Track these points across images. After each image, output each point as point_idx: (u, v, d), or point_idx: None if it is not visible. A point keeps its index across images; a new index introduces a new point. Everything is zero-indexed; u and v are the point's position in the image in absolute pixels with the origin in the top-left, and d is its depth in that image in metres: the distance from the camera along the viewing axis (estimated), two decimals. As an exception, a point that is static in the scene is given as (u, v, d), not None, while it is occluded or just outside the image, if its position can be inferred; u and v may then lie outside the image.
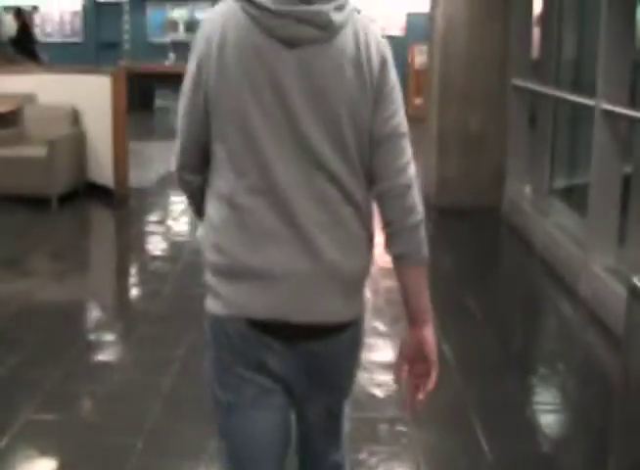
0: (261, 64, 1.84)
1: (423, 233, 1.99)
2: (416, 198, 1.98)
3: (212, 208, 1.94)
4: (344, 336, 2.01)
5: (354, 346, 2.09)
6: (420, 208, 1.98)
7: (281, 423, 2.02)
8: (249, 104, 1.85)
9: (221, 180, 1.91)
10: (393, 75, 1.98)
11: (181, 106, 1.98)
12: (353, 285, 2.01)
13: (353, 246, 1.97)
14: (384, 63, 1.96)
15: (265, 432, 2.00)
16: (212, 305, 1.94)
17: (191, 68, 1.93)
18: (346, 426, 2.17)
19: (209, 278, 1.94)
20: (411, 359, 2.06)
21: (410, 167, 1.99)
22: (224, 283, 1.91)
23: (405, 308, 2.07)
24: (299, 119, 1.85)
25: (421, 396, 2.05)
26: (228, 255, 1.89)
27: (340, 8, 1.86)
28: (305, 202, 1.87)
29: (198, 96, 1.91)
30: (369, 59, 1.91)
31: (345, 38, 1.88)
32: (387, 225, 1.99)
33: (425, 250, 2.00)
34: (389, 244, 2.00)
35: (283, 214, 1.86)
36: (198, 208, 2.09)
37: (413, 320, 2.07)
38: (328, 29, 1.85)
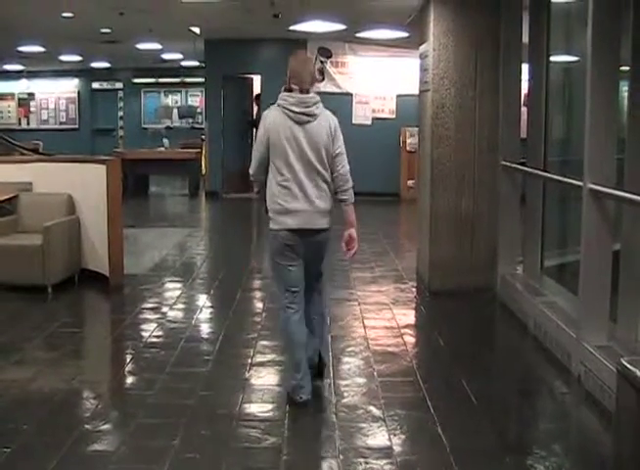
0: (290, 131, 4.77)
1: (352, 192, 4.92)
2: (349, 178, 4.90)
3: (272, 187, 4.85)
4: (324, 234, 4.94)
5: (328, 238, 5.00)
6: (350, 181, 4.90)
7: (299, 270, 4.96)
8: (285, 147, 4.76)
9: (272, 174, 4.85)
10: (339, 131, 4.90)
11: (255, 150, 4.94)
12: (325, 214, 4.89)
13: (325, 199, 4.87)
14: (336, 127, 4.88)
15: (295, 275, 4.95)
16: (272, 225, 4.86)
17: (260, 133, 4.88)
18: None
19: (272, 215, 4.85)
20: (347, 241, 5.02)
21: (346, 166, 4.89)
22: (276, 215, 4.83)
23: (345, 220, 4.99)
24: (305, 152, 4.78)
25: (351, 253, 5.09)
26: (279, 204, 4.80)
27: (318, 107, 4.85)
28: (308, 183, 4.79)
29: (264, 144, 4.83)
30: (329, 126, 4.85)
31: (320, 118, 4.84)
32: (338, 188, 4.91)
33: (352, 198, 4.96)
34: (339, 196, 4.91)
35: (300, 188, 4.78)
36: (263, 191, 4.96)
37: (348, 225, 5.00)
38: (314, 117, 4.80)
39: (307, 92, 4.84)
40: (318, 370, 5.29)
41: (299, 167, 4.80)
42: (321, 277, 5.28)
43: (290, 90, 4.83)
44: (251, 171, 5.04)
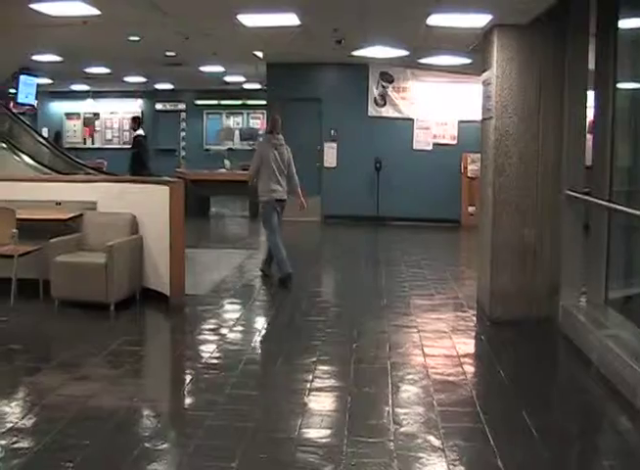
0: (272, 152, 9.73)
1: (297, 181, 9.96)
2: (296, 176, 9.93)
3: (264, 179, 9.71)
4: (285, 202, 9.90)
5: (285, 203, 9.94)
6: (296, 177, 9.93)
7: (278, 219, 9.84)
8: (270, 160, 9.67)
9: (263, 173, 9.73)
10: (291, 153, 9.98)
11: (254, 161, 9.86)
12: (286, 192, 9.85)
13: (285, 185, 9.82)
14: (289, 151, 9.91)
15: (276, 220, 9.79)
16: (265, 198, 9.77)
17: (257, 153, 9.93)
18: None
19: (264, 193, 9.74)
20: (300, 205, 10.04)
21: (293, 170, 9.93)
22: (267, 192, 9.71)
23: (297, 195, 10.02)
24: (278, 162, 9.72)
25: (303, 207, 10.09)
26: (269, 186, 9.70)
27: (283, 141, 9.91)
28: (279, 177, 9.73)
29: (259, 159, 9.75)
30: (287, 151, 9.91)
31: (284, 146, 9.88)
32: (290, 181, 9.91)
33: (298, 184, 10.00)
34: (292, 183, 9.92)
35: (276, 179, 9.71)
36: (255, 183, 9.87)
37: (298, 196, 10.03)
38: (282, 145, 9.86)
39: (278, 134, 9.79)
40: (264, 273, 10.31)
41: (275, 169, 9.65)
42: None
43: (270, 132, 9.89)
44: (251, 173, 9.88)
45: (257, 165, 9.69)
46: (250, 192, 10.60)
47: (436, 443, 4.77)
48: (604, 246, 7.29)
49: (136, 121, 15.84)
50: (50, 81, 19.78)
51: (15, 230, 8.13)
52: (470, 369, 6.49)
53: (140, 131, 15.83)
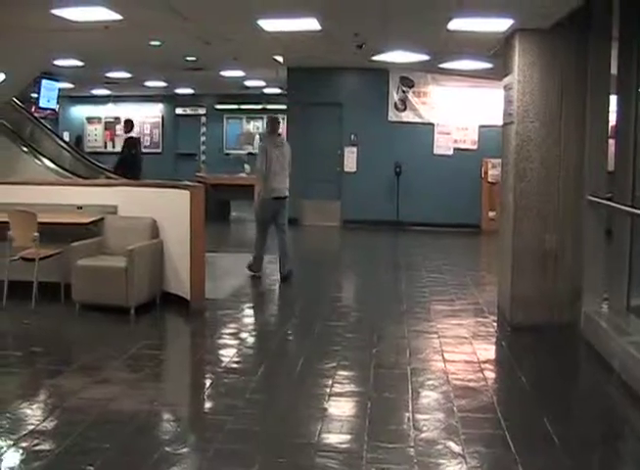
0: (274, 151, 10.26)
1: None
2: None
3: (268, 176, 10.13)
4: (286, 199, 10.40)
5: (287, 201, 10.46)
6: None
7: (281, 214, 10.39)
8: (273, 158, 10.17)
9: (269, 169, 10.14)
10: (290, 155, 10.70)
11: (259, 158, 10.27)
12: (287, 189, 10.38)
13: (287, 182, 10.37)
14: (289, 149, 10.59)
15: (270, 219, 10.37)
16: (265, 196, 10.18)
17: (261, 150, 10.39)
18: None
19: (265, 189, 10.16)
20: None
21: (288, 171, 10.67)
22: (269, 190, 10.16)
23: None
24: (280, 160, 10.26)
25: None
26: (270, 185, 10.15)
27: (284, 140, 11.06)
28: (281, 174, 10.26)
29: (264, 155, 10.16)
30: (288, 150, 10.57)
31: (285, 144, 10.66)
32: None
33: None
34: None
35: (278, 177, 10.22)
36: (265, 178, 10.20)
37: None
38: (283, 144, 10.59)
39: (279, 135, 10.70)
40: (285, 277, 10.21)
41: (278, 167, 10.17)
42: (284, 225, 10.37)
43: (272, 132, 10.49)
44: (263, 170, 10.08)
45: (263, 162, 10.09)
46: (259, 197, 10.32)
47: (457, 449, 4.74)
48: (626, 252, 7.24)
49: (128, 125, 15.68)
50: (71, 86, 19.89)
51: (36, 234, 8.16)
52: (490, 375, 6.45)
53: (132, 135, 15.67)
